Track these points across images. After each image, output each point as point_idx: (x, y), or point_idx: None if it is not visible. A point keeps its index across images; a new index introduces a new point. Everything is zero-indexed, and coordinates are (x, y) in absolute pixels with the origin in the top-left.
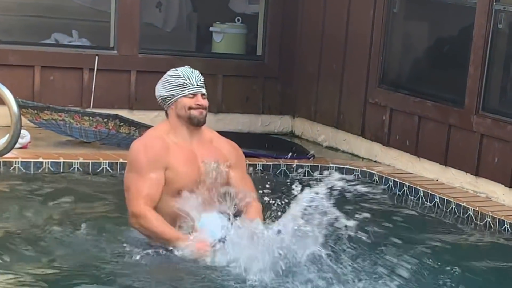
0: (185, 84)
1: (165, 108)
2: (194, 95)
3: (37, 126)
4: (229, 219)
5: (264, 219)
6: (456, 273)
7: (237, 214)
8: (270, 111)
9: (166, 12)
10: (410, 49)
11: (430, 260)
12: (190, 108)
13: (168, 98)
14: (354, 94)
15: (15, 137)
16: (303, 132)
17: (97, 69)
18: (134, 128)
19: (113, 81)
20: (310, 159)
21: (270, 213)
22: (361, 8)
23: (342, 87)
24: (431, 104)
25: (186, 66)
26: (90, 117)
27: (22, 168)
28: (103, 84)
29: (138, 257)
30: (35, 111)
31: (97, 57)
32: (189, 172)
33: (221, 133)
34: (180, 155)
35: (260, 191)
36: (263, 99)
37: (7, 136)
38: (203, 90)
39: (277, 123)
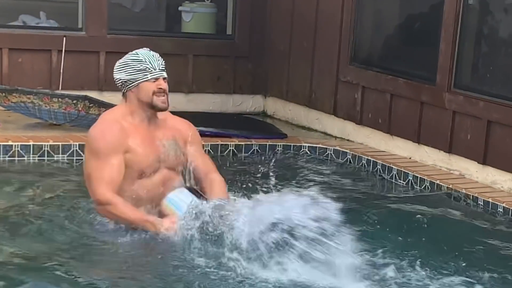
0: (147, 69)
1: (124, 91)
2: (156, 79)
3: (6, 109)
4: (195, 193)
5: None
6: (428, 248)
7: (195, 189)
8: (242, 91)
9: None
10: (381, 26)
11: (404, 236)
12: (153, 94)
13: (129, 82)
14: (326, 72)
15: None
16: (275, 112)
17: (65, 50)
18: (104, 109)
19: (82, 62)
20: (283, 139)
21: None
22: None
23: (314, 65)
24: (403, 82)
25: (146, 49)
26: (59, 99)
27: None
28: (72, 66)
29: (108, 240)
30: (4, 94)
31: (65, 38)
32: (148, 153)
33: (192, 113)
34: (138, 137)
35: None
36: (234, 79)
37: None
38: (165, 74)
39: (249, 103)
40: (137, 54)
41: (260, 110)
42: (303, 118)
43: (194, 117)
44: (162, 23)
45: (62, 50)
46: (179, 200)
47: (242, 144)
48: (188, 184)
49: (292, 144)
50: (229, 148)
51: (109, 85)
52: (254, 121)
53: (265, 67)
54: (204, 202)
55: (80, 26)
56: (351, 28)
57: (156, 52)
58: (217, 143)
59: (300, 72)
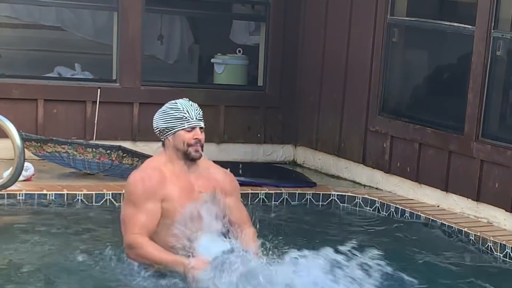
0: (184, 118)
1: (162, 139)
2: (193, 128)
3: (40, 159)
4: (229, 242)
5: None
6: None
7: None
8: (272, 141)
9: (168, 44)
10: (410, 77)
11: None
12: (188, 145)
13: (166, 130)
14: (355, 122)
15: (19, 170)
16: (305, 161)
17: (99, 101)
18: (137, 159)
19: (116, 113)
20: (312, 187)
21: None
22: (360, 38)
23: (343, 115)
24: (431, 131)
25: (185, 99)
26: (93, 149)
27: (26, 200)
28: (106, 116)
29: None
30: (39, 144)
31: (99, 89)
32: (185, 201)
33: (223, 162)
34: (177, 186)
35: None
36: (265, 129)
37: (10, 169)
38: (202, 124)
39: (279, 152)
40: (176, 103)
41: (290, 159)
42: (332, 167)
43: (224, 167)
44: (194, 74)
45: (96, 101)
46: (211, 247)
47: (272, 193)
48: (221, 232)
49: (321, 192)
50: (259, 196)
51: (142, 135)
52: (284, 170)
53: (295, 117)
54: (233, 254)
55: (114, 77)
56: (380, 79)
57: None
58: (248, 192)
59: (330, 122)
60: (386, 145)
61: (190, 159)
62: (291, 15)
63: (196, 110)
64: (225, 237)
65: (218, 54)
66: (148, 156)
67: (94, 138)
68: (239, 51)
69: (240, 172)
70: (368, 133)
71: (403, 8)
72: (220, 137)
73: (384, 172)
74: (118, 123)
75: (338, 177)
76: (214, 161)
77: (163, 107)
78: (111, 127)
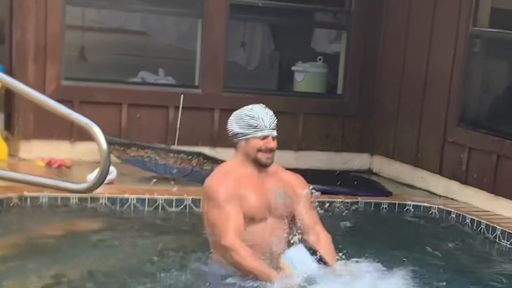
0: (258, 126)
1: (235, 141)
2: (266, 137)
3: (123, 162)
4: (315, 255)
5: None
6: None
7: (312, 248)
8: (349, 149)
9: (250, 51)
10: (489, 88)
11: None
12: (259, 150)
13: (240, 135)
14: (433, 132)
15: (104, 173)
16: (381, 170)
17: (182, 107)
18: (217, 165)
19: (197, 119)
20: (388, 196)
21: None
22: (441, 48)
23: (421, 125)
24: (509, 143)
25: (261, 105)
26: (175, 154)
27: (108, 204)
28: (187, 122)
29: None
30: (122, 148)
31: (182, 95)
32: (259, 200)
33: (300, 170)
34: (250, 186)
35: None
36: (343, 137)
37: (96, 172)
38: (275, 133)
39: (356, 161)
40: (252, 109)
41: (366, 168)
42: (408, 176)
43: (302, 175)
44: (274, 81)
45: (179, 107)
46: (298, 259)
47: (348, 202)
48: (295, 237)
49: (397, 202)
50: (336, 205)
51: (223, 141)
52: (360, 179)
53: (372, 126)
54: (318, 266)
55: (196, 83)
56: (460, 90)
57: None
58: (324, 199)
59: (407, 132)
60: (463, 156)
61: (260, 165)
62: (372, 24)
63: (271, 118)
64: (308, 249)
65: (299, 61)
66: None
67: (176, 143)
68: (320, 59)
69: (316, 179)
70: (446, 143)
71: (486, 19)
72: (298, 144)
73: (461, 183)
74: (199, 129)
75: (413, 187)
76: (291, 169)
77: (240, 112)
78: (192, 132)
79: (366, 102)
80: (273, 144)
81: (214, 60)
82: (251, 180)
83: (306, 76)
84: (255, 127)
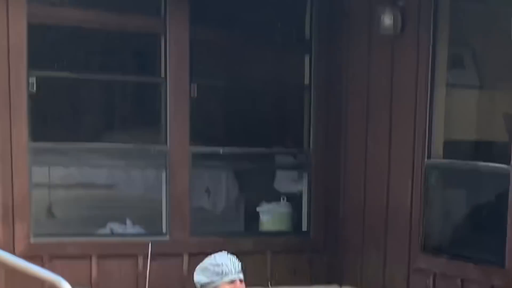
0: (223, 272)
1: None
2: (233, 281)
3: None
4: None
5: None
6: None
7: None
8: (318, 282)
9: (215, 196)
10: (449, 215)
11: None
12: None
13: (207, 284)
14: (398, 261)
15: None
16: None
17: (151, 254)
18: None
19: (167, 265)
20: None
21: None
22: (400, 180)
23: (386, 255)
24: (472, 266)
25: (224, 252)
26: None
27: None
28: (157, 269)
29: None
30: None
31: (150, 243)
32: None
33: None
34: None
35: None
36: (311, 271)
37: None
38: (241, 276)
39: None
40: (215, 258)
41: None
42: None
43: None
44: (241, 223)
45: (148, 255)
46: None
47: None
48: None
49: None
50: None
51: (192, 286)
52: None
53: (339, 258)
54: None
55: (164, 231)
56: (420, 218)
57: (236, 251)
58: None
59: (373, 262)
60: (429, 281)
61: None
62: (331, 162)
63: (235, 263)
64: None
65: (264, 202)
66: None
67: None
68: (283, 199)
69: None
70: (411, 271)
71: (440, 150)
72: (267, 282)
73: None
74: (168, 274)
75: None
76: None
77: (203, 263)
78: (161, 279)
79: (331, 236)
80: (242, 286)
81: (180, 207)
82: None
83: (271, 216)
84: (221, 273)
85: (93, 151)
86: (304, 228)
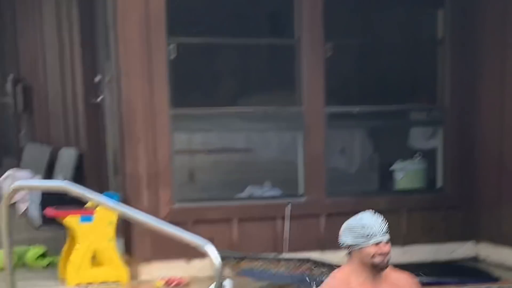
0: (370, 234)
1: (349, 252)
2: (379, 242)
3: (236, 275)
4: None
5: None
6: None
7: None
8: (454, 239)
9: (349, 156)
10: None
11: None
12: (374, 256)
13: (352, 246)
14: None
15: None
16: (487, 256)
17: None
18: (325, 270)
19: (304, 226)
20: (496, 282)
21: None
22: None
23: None
24: None
25: (369, 212)
26: (285, 262)
27: None
28: (294, 230)
29: None
30: (235, 262)
31: (289, 204)
32: None
33: (406, 265)
34: None
35: None
36: (446, 228)
37: (212, 286)
38: (386, 237)
39: (461, 250)
40: (362, 219)
41: (472, 256)
42: None
43: (407, 269)
44: (375, 182)
45: (285, 217)
46: None
47: None
48: None
49: (506, 286)
50: None
51: (330, 245)
52: (466, 268)
53: (476, 214)
54: None
55: (301, 192)
56: None
57: (372, 210)
58: None
59: (511, 217)
60: None
61: (377, 269)
62: (467, 117)
63: (381, 224)
64: None
65: (398, 161)
66: (335, 266)
67: (285, 252)
68: (418, 156)
69: (424, 273)
70: None
71: None
72: (403, 240)
73: None
74: (306, 235)
75: None
76: (398, 264)
77: (349, 223)
78: (299, 240)
79: (467, 191)
80: (387, 248)
81: (316, 168)
82: None
83: (406, 174)
84: (367, 235)
85: (231, 115)
86: (439, 184)
